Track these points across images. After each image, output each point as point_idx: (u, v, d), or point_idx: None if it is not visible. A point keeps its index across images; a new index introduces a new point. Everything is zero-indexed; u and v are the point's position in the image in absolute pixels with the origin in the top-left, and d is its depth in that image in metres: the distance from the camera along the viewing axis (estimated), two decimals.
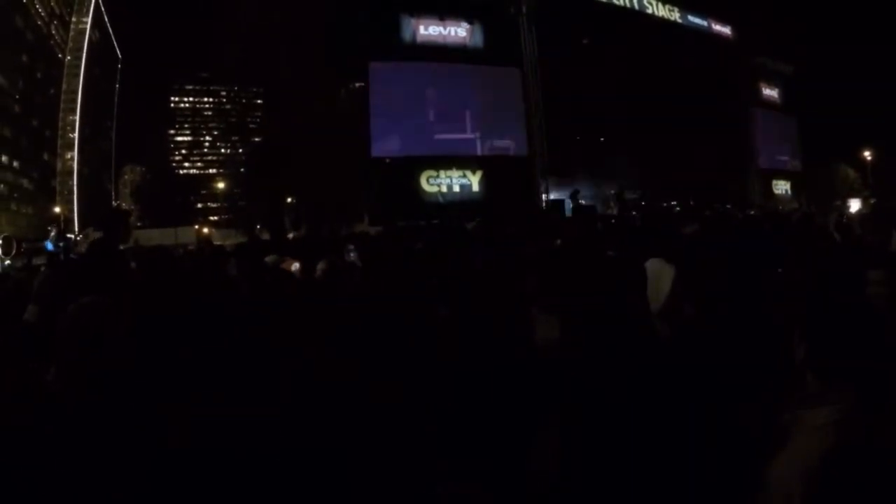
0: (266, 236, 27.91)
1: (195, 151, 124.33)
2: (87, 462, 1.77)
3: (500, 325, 2.53)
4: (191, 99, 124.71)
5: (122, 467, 1.80)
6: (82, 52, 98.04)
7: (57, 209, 72.85)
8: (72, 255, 15.03)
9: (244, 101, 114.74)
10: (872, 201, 24.42)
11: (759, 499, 1.60)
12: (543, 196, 30.49)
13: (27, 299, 4.61)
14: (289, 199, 39.21)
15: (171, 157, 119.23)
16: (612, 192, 33.87)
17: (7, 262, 18.78)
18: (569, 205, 24.75)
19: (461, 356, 2.22)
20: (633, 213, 19.77)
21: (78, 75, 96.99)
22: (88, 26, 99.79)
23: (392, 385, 2.19)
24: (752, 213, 21.06)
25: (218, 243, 19.94)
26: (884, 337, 1.66)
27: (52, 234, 20.78)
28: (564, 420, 1.81)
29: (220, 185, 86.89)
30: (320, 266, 4.72)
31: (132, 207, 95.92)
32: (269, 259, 6.46)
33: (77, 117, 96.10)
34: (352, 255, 6.36)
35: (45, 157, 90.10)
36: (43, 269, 7.84)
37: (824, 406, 1.56)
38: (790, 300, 1.83)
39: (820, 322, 1.68)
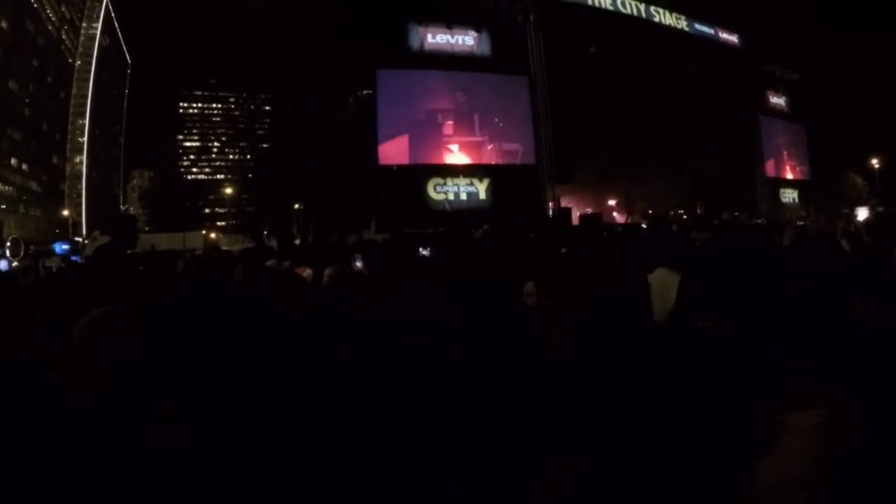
0: (273, 242, 27.99)
1: (203, 157, 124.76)
2: (93, 466, 1.79)
3: (509, 333, 2.54)
4: (199, 105, 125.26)
5: (126, 471, 1.81)
6: (92, 57, 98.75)
7: (65, 212, 73.23)
8: (74, 259, 15.15)
9: (252, 107, 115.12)
10: (880, 209, 24.26)
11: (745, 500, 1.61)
12: (550, 204, 30.44)
13: (34, 302, 4.63)
14: (296, 206, 39.32)
15: (180, 162, 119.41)
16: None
17: (15, 263, 18.90)
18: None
19: (469, 365, 2.23)
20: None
21: (88, 80, 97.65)
22: (99, 32, 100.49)
23: (398, 393, 2.20)
24: (760, 221, 20.99)
25: (226, 248, 20.03)
26: (865, 339, 1.67)
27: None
28: (572, 434, 1.82)
29: (228, 191, 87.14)
30: (327, 273, 4.74)
31: (140, 212, 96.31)
32: (270, 263, 6.48)
33: (86, 121, 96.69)
34: (358, 263, 6.37)
35: (55, 160, 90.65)
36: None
37: (809, 409, 1.58)
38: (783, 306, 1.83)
39: (799, 326, 1.70)
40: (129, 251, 4.83)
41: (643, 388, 1.98)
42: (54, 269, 12.46)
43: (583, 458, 1.76)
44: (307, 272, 5.63)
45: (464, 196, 29.64)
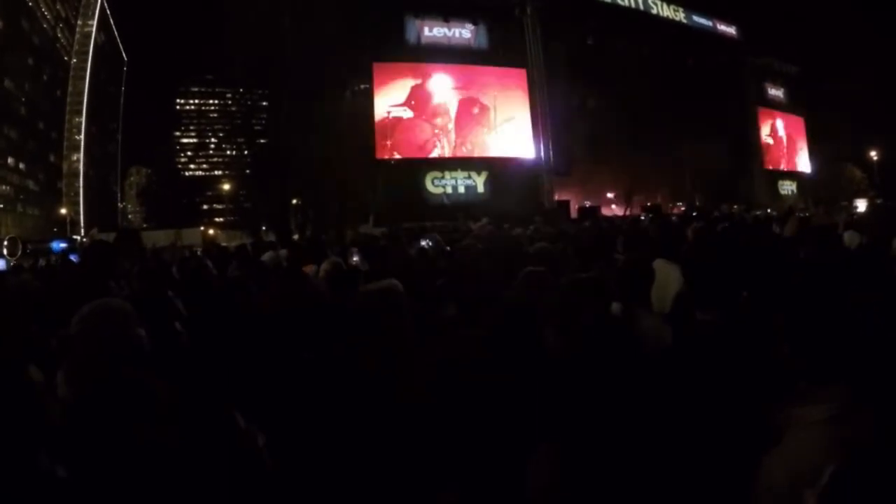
0: (272, 237, 27.99)
1: (200, 153, 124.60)
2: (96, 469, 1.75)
3: (506, 328, 2.50)
4: (196, 101, 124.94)
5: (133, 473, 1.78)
6: (88, 54, 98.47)
7: (63, 211, 73.19)
8: (71, 257, 15.11)
9: (249, 102, 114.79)
10: (878, 201, 24.27)
11: (750, 498, 1.59)
12: (548, 197, 30.43)
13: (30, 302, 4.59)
14: (294, 201, 39.24)
15: (177, 159, 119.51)
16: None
17: (13, 262, 18.90)
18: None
19: (465, 359, 2.19)
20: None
21: (84, 78, 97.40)
22: (94, 29, 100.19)
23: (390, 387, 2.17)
24: (759, 213, 20.97)
25: (224, 244, 20.00)
26: (870, 335, 1.65)
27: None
28: (564, 431, 1.79)
29: (226, 187, 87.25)
30: (323, 267, 4.69)
31: (138, 209, 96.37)
32: (266, 257, 6.44)
33: (83, 119, 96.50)
34: (355, 258, 6.34)
35: (52, 158, 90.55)
36: None
37: (818, 404, 1.55)
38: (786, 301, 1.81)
39: (802, 321, 1.68)
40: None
41: (644, 385, 1.95)
42: (44, 265, 12.43)
43: (581, 457, 1.72)
44: (311, 268, 5.59)
45: (462, 189, 29.65)
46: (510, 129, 30.97)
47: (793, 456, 1.52)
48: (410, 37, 29.46)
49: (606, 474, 1.69)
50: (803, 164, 45.60)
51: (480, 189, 29.90)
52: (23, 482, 1.54)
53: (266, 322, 3.14)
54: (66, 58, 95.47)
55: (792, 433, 1.56)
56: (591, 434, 1.73)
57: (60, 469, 1.65)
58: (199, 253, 13.48)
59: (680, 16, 37.01)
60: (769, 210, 23.87)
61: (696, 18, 37.95)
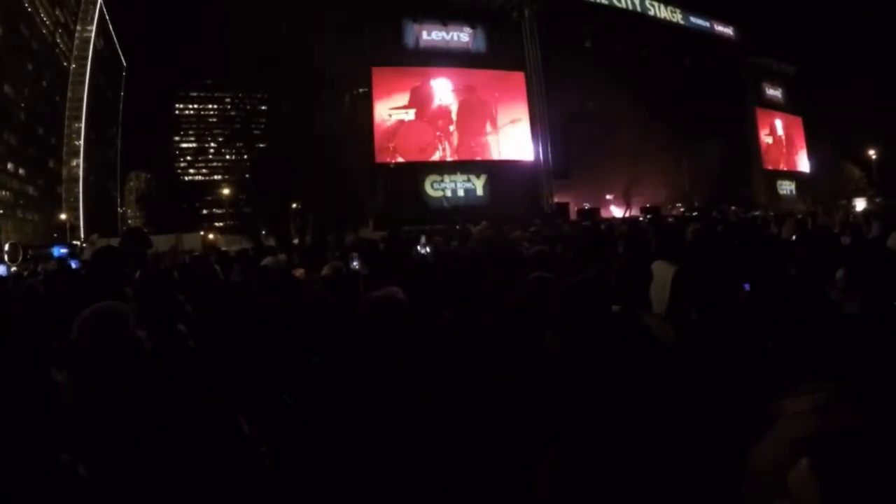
0: (271, 242, 28.00)
1: (200, 158, 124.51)
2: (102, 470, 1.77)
3: (506, 332, 2.53)
4: (195, 106, 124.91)
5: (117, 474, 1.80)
6: (87, 60, 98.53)
7: (63, 216, 73.15)
8: (71, 262, 15.13)
9: (248, 107, 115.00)
10: (878, 200, 24.31)
11: (741, 485, 1.63)
12: (548, 199, 30.43)
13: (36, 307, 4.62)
14: (294, 205, 39.28)
15: (176, 164, 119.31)
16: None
17: (14, 268, 18.87)
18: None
19: (464, 364, 2.22)
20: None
21: (83, 83, 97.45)
22: (93, 34, 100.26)
23: (395, 397, 2.18)
24: (757, 214, 20.97)
25: (224, 249, 20.01)
26: (855, 331, 1.70)
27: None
28: (568, 436, 1.82)
29: (226, 192, 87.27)
30: (325, 271, 4.73)
31: (138, 214, 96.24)
32: (267, 261, 6.47)
33: (82, 125, 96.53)
34: (355, 262, 6.37)
35: (51, 164, 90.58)
36: None
37: (804, 395, 1.61)
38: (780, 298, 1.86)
39: (790, 318, 1.73)
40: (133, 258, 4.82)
41: (650, 386, 1.98)
42: (41, 271, 12.41)
43: (590, 459, 1.75)
44: (300, 272, 5.63)
45: (461, 192, 29.62)
46: (510, 132, 30.98)
47: (777, 443, 1.58)
48: (409, 41, 29.46)
49: (615, 475, 1.72)
50: (802, 163, 45.57)
51: (480, 192, 29.89)
52: (42, 480, 1.57)
53: (271, 325, 3.17)
54: (65, 63, 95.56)
55: (779, 422, 1.62)
56: (600, 435, 1.76)
57: (81, 468, 1.68)
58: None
59: (677, 17, 37.00)
60: (767, 211, 23.83)
61: (693, 20, 37.94)
